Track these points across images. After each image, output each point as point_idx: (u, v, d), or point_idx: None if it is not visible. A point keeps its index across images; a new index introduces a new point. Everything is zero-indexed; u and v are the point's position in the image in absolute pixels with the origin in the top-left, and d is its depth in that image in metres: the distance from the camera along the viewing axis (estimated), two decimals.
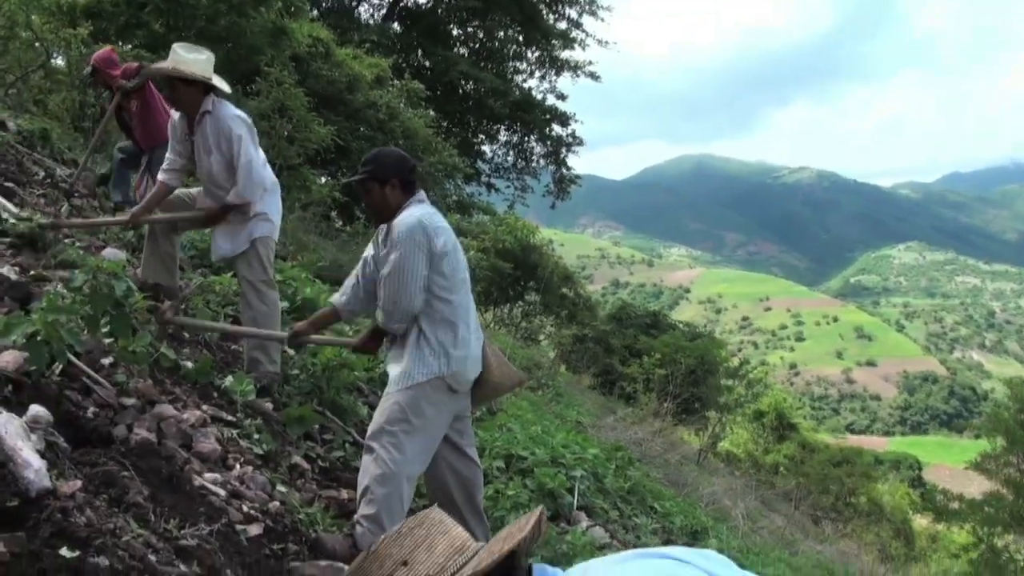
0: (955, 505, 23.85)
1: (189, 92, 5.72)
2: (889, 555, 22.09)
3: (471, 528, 4.93)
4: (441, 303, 4.53)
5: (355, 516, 4.44)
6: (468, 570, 1.57)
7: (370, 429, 4.53)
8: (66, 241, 6.14)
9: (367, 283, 4.81)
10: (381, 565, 1.62)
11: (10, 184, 6.68)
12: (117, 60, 8.66)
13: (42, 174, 7.78)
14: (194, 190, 6.19)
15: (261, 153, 5.96)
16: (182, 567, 3.08)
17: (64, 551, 2.59)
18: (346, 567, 4.05)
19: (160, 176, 6.04)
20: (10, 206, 5.94)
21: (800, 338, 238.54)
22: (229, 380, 5.34)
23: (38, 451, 2.94)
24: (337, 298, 4.98)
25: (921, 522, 32.32)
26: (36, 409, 3.17)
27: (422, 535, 1.64)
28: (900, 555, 23.45)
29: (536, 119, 28.84)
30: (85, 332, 4.18)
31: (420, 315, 4.53)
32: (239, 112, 5.83)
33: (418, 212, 4.58)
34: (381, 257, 4.63)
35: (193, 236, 8.20)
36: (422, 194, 4.73)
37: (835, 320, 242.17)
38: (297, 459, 5.14)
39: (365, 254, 4.90)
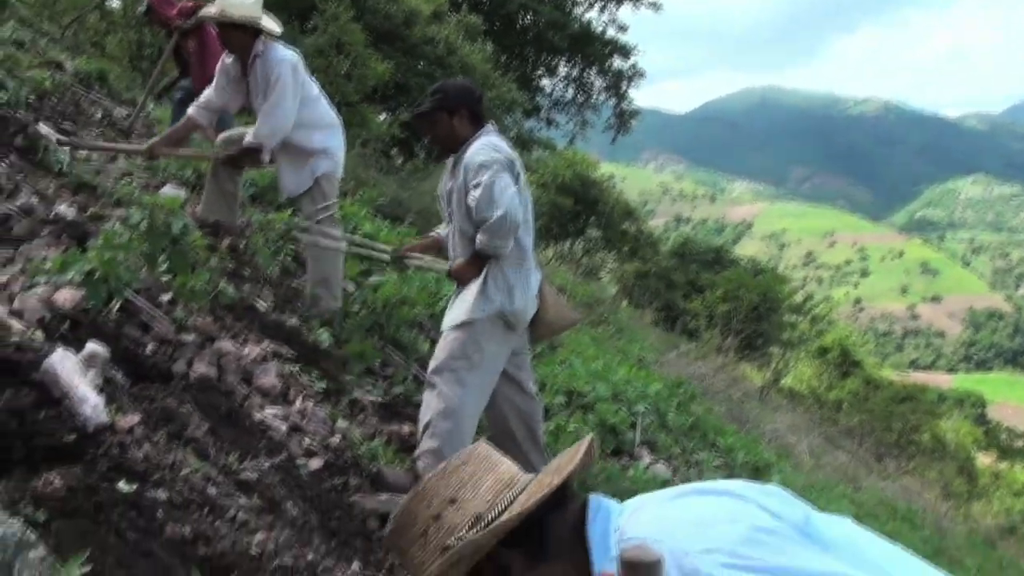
0: (1020, 443, 23.53)
1: (238, 36, 5.66)
2: (951, 492, 21.89)
3: (532, 462, 4.92)
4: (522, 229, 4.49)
5: (417, 450, 4.44)
6: (517, 506, 1.51)
7: (431, 365, 4.52)
8: (124, 180, 6.15)
9: (450, 220, 4.74)
10: (428, 504, 1.58)
11: (68, 124, 6.69)
12: None
13: (100, 114, 7.79)
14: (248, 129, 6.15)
15: (317, 90, 5.89)
16: (242, 500, 3.08)
17: (122, 484, 2.58)
18: None
19: (190, 110, 6.01)
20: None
21: (865, 273, 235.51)
22: (293, 318, 5.35)
23: (95, 387, 2.93)
24: (441, 229, 4.98)
25: (984, 460, 31.99)
26: (93, 346, 3.16)
27: (468, 472, 1.60)
28: (962, 493, 23.23)
29: (596, 52, 28.37)
30: (143, 269, 4.17)
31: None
32: (288, 54, 5.74)
33: (492, 141, 4.50)
34: (458, 187, 4.54)
35: (253, 174, 8.19)
36: (491, 126, 4.64)
37: (900, 255, 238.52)
38: (358, 394, 5.13)
39: (438, 192, 4.84)
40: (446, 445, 4.33)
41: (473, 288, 4.51)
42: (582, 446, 1.63)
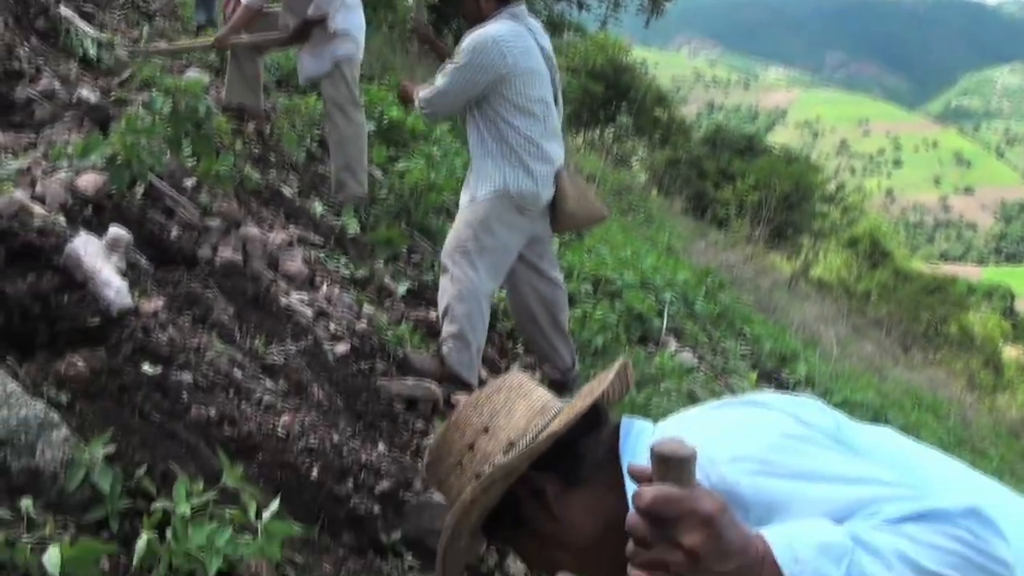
0: None
1: None
2: (977, 384, 21.90)
3: (558, 349, 4.94)
4: (505, 125, 4.42)
5: (441, 336, 4.46)
6: (548, 430, 1.50)
7: (444, 249, 4.54)
8: (147, 63, 6.06)
9: None
10: (462, 434, 1.59)
11: (90, 7, 6.58)
12: None
13: None
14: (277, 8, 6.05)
15: None
16: (268, 383, 3.10)
17: (146, 367, 2.60)
18: (434, 385, 4.08)
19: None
20: (90, 29, 5.86)
21: (898, 163, 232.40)
22: (317, 203, 5.33)
23: (119, 271, 2.93)
24: None
25: (1011, 352, 31.88)
26: (116, 230, 3.15)
27: (501, 400, 1.59)
28: (988, 384, 23.23)
29: None
30: (167, 154, 4.14)
31: (486, 134, 4.47)
32: None
33: (497, 28, 4.41)
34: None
35: (278, 57, 8.07)
36: (518, 9, 4.53)
37: (934, 145, 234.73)
38: (386, 280, 5.13)
39: None
40: (466, 327, 4.36)
41: (471, 173, 4.56)
42: (614, 368, 1.61)
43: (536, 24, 4.60)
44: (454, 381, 4.36)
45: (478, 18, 4.51)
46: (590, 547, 1.45)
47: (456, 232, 4.51)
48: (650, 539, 1.10)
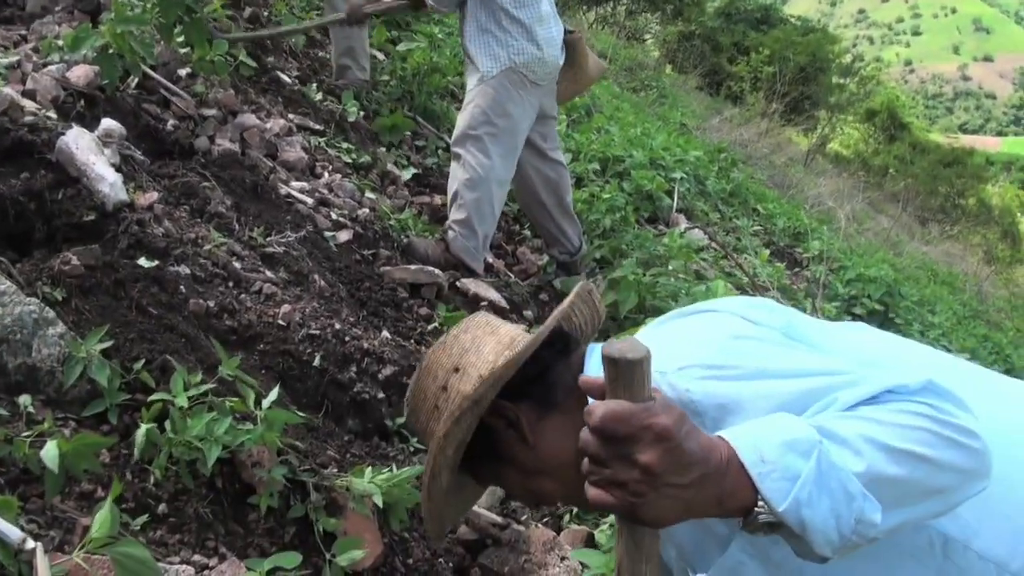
0: None
1: None
2: (994, 257, 21.80)
3: (564, 229, 4.93)
4: None
5: (447, 222, 4.44)
6: (507, 359, 1.48)
7: (454, 135, 4.48)
8: None
9: None
10: (435, 377, 1.58)
11: None
12: None
13: None
14: None
15: None
16: (268, 273, 3.10)
17: (142, 261, 2.59)
18: (438, 271, 4.07)
19: None
20: None
21: (916, 32, 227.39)
22: (316, 89, 5.25)
23: (113, 165, 2.90)
24: None
25: None
26: (108, 123, 3.12)
27: (469, 339, 1.58)
28: (1005, 257, 23.13)
29: None
30: (159, 43, 4.06)
31: (480, 8, 4.39)
32: None
33: None
34: None
35: None
36: None
37: (953, 12, 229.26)
38: (388, 166, 5.09)
39: None
40: (474, 215, 4.34)
41: (473, 51, 4.48)
42: (574, 291, 1.60)
43: None
44: (458, 268, 4.36)
45: None
46: (570, 472, 1.41)
47: (468, 117, 4.44)
48: (604, 457, 1.08)
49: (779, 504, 1.08)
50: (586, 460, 1.11)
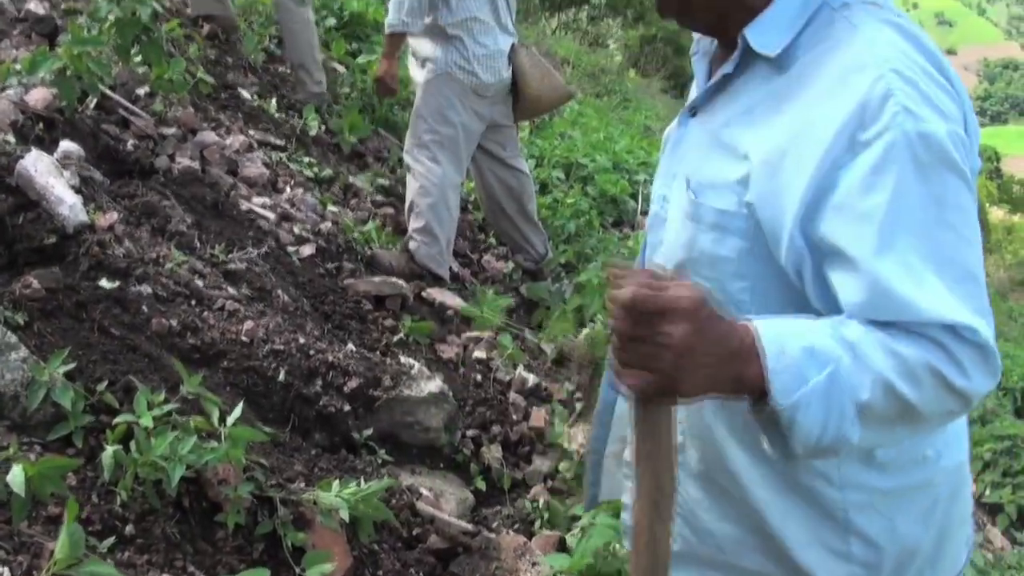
0: None
1: None
2: None
3: (528, 237, 4.97)
4: (441, 2, 4.38)
5: (408, 233, 4.48)
6: None
7: (405, 147, 4.56)
8: None
9: None
10: None
11: None
12: None
13: None
14: None
15: None
16: (230, 290, 3.12)
17: (103, 282, 2.61)
18: (402, 282, 4.10)
19: None
20: None
21: None
22: (276, 104, 5.27)
23: (72, 187, 2.91)
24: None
25: (997, 214, 32.00)
26: (67, 145, 3.13)
27: None
28: None
29: None
30: (117, 63, 4.07)
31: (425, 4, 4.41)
32: None
33: None
34: None
35: None
36: None
37: (915, 7, 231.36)
38: (350, 179, 5.11)
39: None
40: (432, 220, 4.42)
41: (417, 61, 4.57)
42: None
43: None
44: (424, 277, 4.39)
45: None
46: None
47: (412, 127, 4.55)
48: (638, 334, 1.12)
49: (782, 399, 1.13)
50: (615, 341, 1.16)
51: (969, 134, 1.28)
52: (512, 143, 4.87)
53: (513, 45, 4.59)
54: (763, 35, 1.32)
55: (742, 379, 1.15)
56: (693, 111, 1.46)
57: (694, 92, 1.51)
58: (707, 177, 1.37)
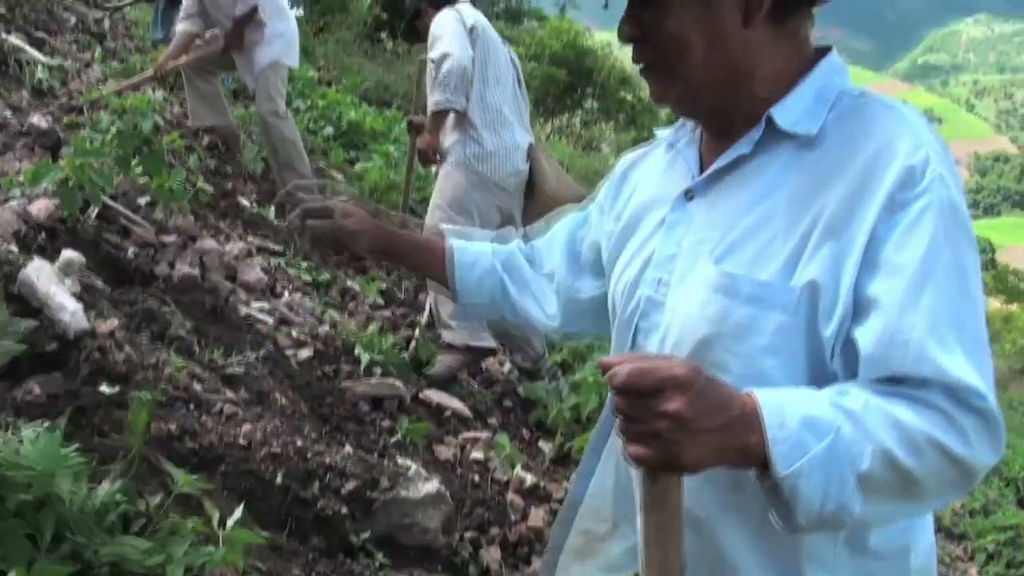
0: None
1: None
2: None
3: (528, 337, 5.04)
4: (472, 90, 4.59)
5: (441, 325, 4.66)
6: None
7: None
8: (98, 86, 6.07)
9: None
10: None
11: (40, 34, 6.59)
12: None
13: (73, 20, 7.65)
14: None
15: None
16: (229, 393, 3.15)
17: (103, 387, 2.64)
18: (399, 383, 4.13)
19: (179, 26, 5.92)
20: (40, 56, 5.87)
21: None
22: (271, 210, 5.37)
23: (74, 294, 2.96)
24: None
25: (994, 304, 32.11)
26: (68, 253, 3.19)
27: None
28: None
29: None
30: (118, 174, 4.17)
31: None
32: None
33: (440, 17, 4.65)
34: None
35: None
36: (460, 1, 4.80)
37: (903, 103, 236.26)
38: (348, 283, 5.18)
39: None
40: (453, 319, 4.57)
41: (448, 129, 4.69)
42: None
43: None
44: (476, 353, 4.57)
45: (425, 34, 4.75)
46: (724, 72, 1.39)
47: (430, 215, 4.68)
48: (636, 413, 1.15)
49: (782, 469, 1.15)
50: (619, 421, 1.18)
51: None
52: None
53: (531, 143, 4.76)
54: (791, 116, 1.36)
55: (746, 449, 1.17)
56: (690, 195, 1.49)
57: (679, 179, 1.53)
58: (740, 250, 1.37)
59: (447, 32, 4.52)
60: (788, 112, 1.37)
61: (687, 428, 1.14)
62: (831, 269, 1.27)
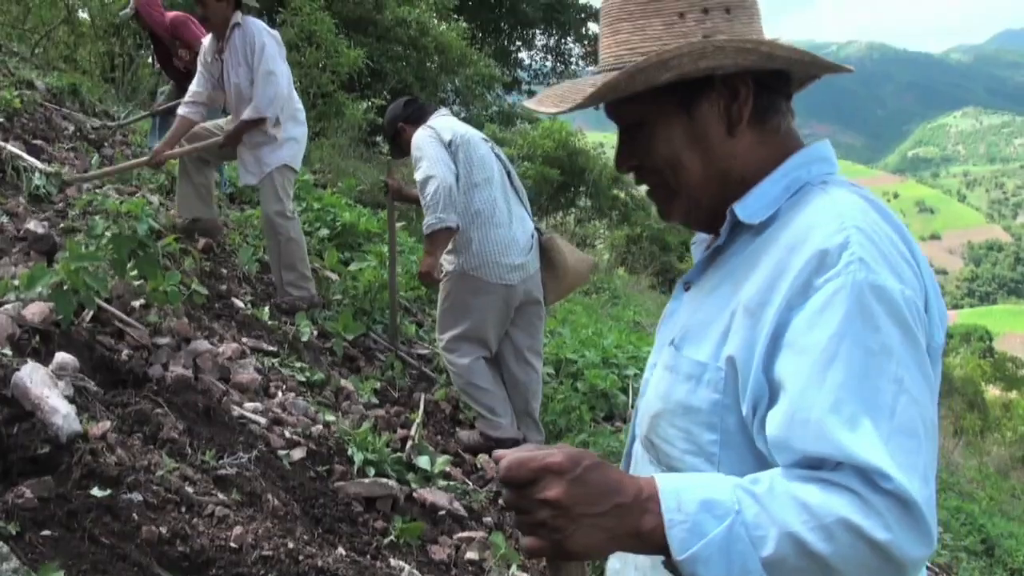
0: None
1: (219, 6, 5.68)
2: (962, 428, 21.91)
3: (527, 435, 5.04)
4: (462, 195, 4.83)
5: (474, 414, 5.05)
6: (798, 50, 1.41)
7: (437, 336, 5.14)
8: (95, 191, 6.16)
9: None
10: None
11: (39, 141, 6.71)
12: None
13: (71, 128, 7.80)
14: (221, 121, 6.17)
15: (287, 71, 5.88)
16: (220, 495, 3.14)
17: (95, 490, 2.64)
18: (392, 483, 4.10)
19: (181, 110, 6.01)
20: (38, 163, 5.98)
21: None
22: (266, 311, 5.41)
23: (66, 397, 2.98)
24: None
25: (994, 392, 32.01)
26: (62, 356, 3.22)
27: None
28: (974, 427, 23.25)
29: (570, 19, 28.19)
30: (113, 277, 4.21)
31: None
32: (267, 27, 5.82)
33: (418, 135, 4.91)
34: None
35: (231, 173, 8.19)
36: (437, 114, 5.10)
37: (895, 196, 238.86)
38: (344, 382, 5.18)
39: None
40: (472, 403, 4.99)
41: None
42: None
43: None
44: (502, 444, 4.69)
45: (408, 149, 5.00)
46: (719, 181, 1.44)
47: (438, 320, 5.04)
48: (519, 504, 1.17)
49: (679, 553, 1.13)
50: (512, 514, 1.21)
51: (930, 313, 1.31)
52: (536, 337, 5.09)
53: (540, 228, 4.96)
54: (748, 208, 1.41)
55: (640, 533, 1.15)
56: (687, 286, 1.56)
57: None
58: (691, 333, 1.43)
59: (426, 155, 4.74)
60: (749, 204, 1.42)
61: (569, 514, 1.14)
62: (746, 349, 1.29)
